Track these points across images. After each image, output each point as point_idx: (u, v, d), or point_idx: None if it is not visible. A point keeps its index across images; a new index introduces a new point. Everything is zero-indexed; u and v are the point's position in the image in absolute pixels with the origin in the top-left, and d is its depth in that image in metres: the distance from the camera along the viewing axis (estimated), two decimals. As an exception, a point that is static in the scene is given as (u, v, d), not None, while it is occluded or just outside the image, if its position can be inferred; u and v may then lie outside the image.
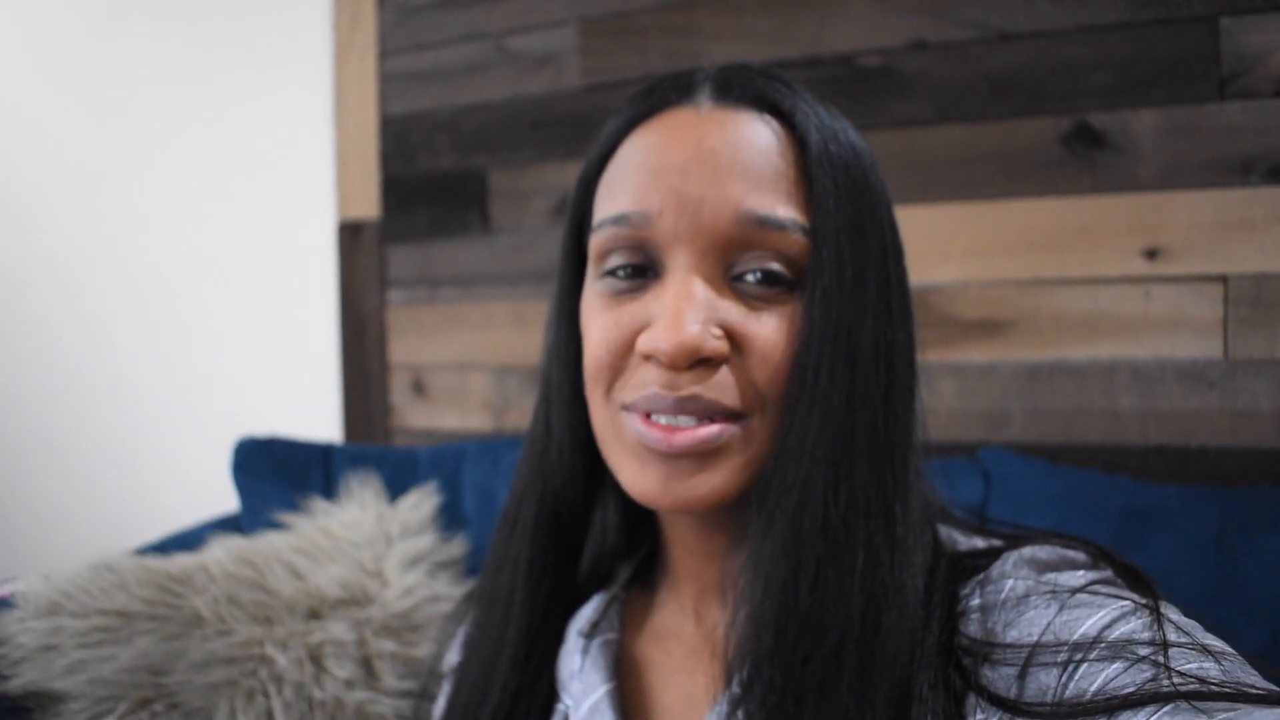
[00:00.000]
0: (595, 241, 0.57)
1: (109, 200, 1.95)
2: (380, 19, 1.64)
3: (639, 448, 0.55)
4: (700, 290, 0.52)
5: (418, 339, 1.64)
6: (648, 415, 0.54)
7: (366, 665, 1.05)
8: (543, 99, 1.52)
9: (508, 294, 1.56)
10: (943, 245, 1.26)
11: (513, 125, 1.55)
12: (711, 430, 0.52)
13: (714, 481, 0.53)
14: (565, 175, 1.50)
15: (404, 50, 1.63)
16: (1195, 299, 1.14)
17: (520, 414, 1.55)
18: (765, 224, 0.52)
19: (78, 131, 1.98)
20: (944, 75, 1.26)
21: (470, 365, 1.59)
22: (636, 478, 0.55)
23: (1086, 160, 1.19)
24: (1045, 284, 1.21)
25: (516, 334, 1.55)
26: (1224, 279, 1.13)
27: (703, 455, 0.53)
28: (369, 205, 1.66)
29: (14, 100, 2.04)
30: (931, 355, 1.26)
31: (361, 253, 1.67)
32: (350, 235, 1.68)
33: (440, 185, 1.61)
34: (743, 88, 0.56)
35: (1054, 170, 1.21)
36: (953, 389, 1.26)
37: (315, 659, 1.02)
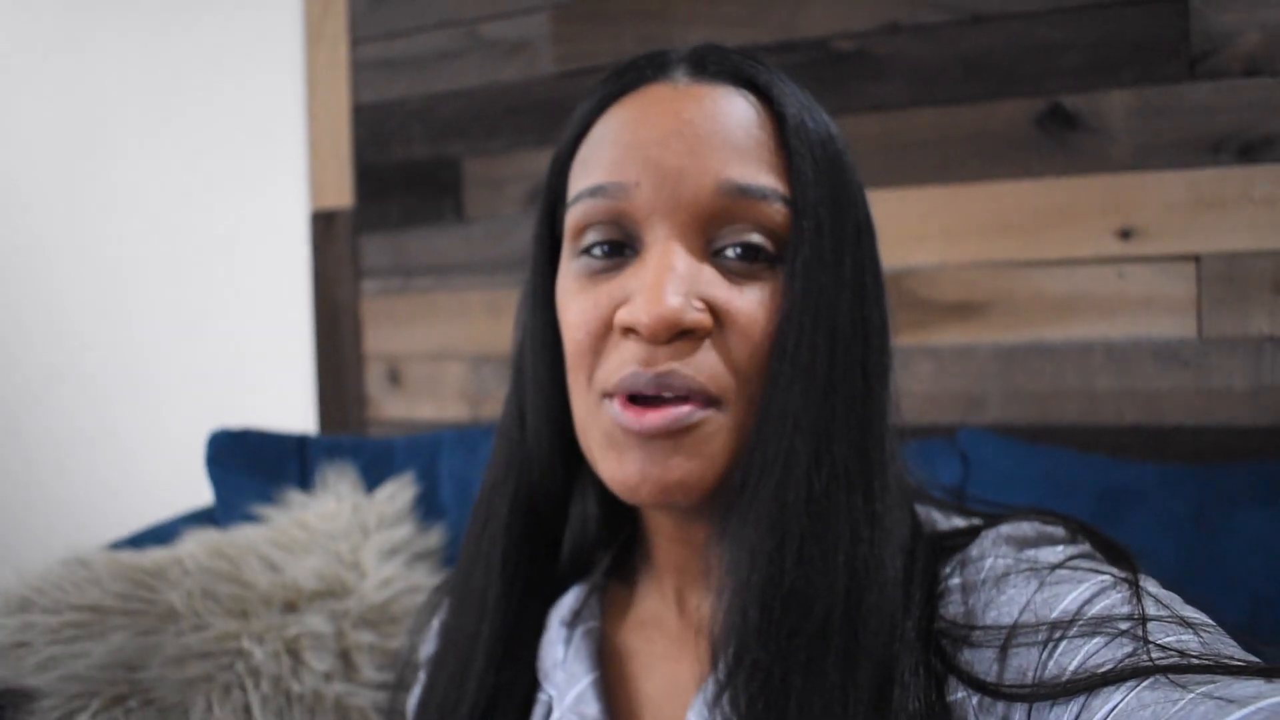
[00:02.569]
0: (571, 217, 0.56)
1: (78, 190, 1.93)
2: (351, 6, 1.63)
3: (617, 434, 0.53)
4: (681, 262, 0.51)
5: (393, 329, 1.63)
6: (628, 399, 0.53)
7: (345, 657, 1.05)
8: (516, 86, 1.51)
9: (483, 283, 1.55)
10: (918, 228, 1.26)
11: (486, 113, 1.54)
12: (683, 409, 0.51)
13: (691, 467, 0.52)
14: (540, 163, 1.49)
15: (376, 38, 1.62)
16: (1169, 278, 1.15)
17: (497, 403, 1.52)
18: (747, 193, 0.51)
19: (46, 121, 1.95)
20: (918, 58, 1.26)
21: (446, 355, 1.58)
22: (615, 469, 0.54)
23: (1060, 141, 1.20)
24: (1020, 265, 1.22)
25: (492, 323, 1.54)
26: (1197, 258, 1.14)
27: (679, 437, 0.52)
28: (342, 194, 1.65)
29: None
30: (908, 338, 1.26)
31: (335, 242, 1.66)
32: (323, 225, 1.67)
33: (414, 173, 1.60)
34: (718, 64, 0.55)
35: (1028, 152, 1.21)
36: (929, 371, 1.26)
37: (293, 652, 1.01)
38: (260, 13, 1.71)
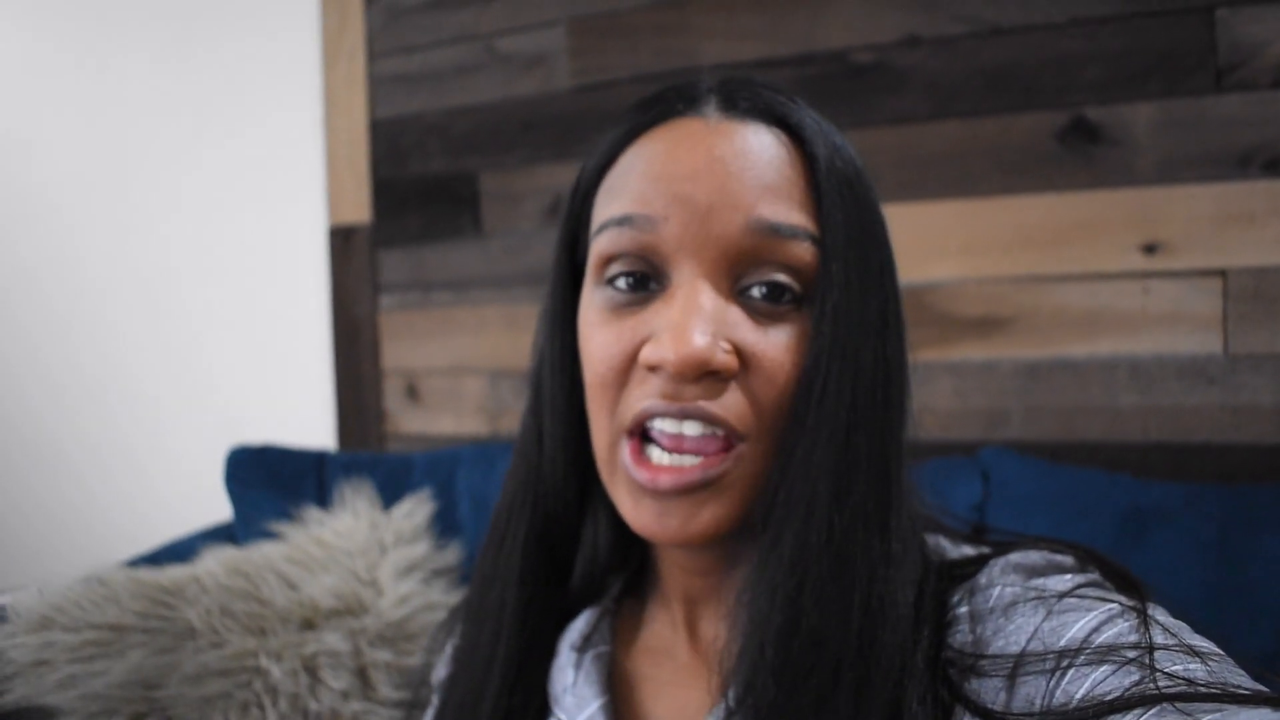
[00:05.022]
0: (597, 246, 0.56)
1: (99, 208, 1.94)
2: (368, 21, 1.63)
3: (630, 483, 0.54)
4: (709, 301, 0.51)
5: (411, 344, 1.63)
6: (640, 440, 0.54)
7: (362, 676, 1.05)
8: (533, 100, 1.51)
9: (501, 297, 1.55)
10: (939, 243, 1.25)
11: (503, 127, 1.54)
12: (695, 474, 0.52)
13: (707, 516, 0.53)
14: (557, 177, 1.49)
15: (393, 53, 1.62)
16: (1195, 294, 1.13)
17: (515, 418, 1.53)
18: (778, 231, 0.52)
19: (68, 139, 1.97)
20: (937, 71, 1.25)
21: (464, 369, 1.58)
22: (633, 513, 0.55)
23: (1083, 155, 1.18)
24: (1043, 280, 1.20)
25: (510, 337, 1.54)
26: (1223, 273, 1.12)
27: (697, 492, 0.53)
28: (360, 210, 1.65)
29: (5, 107, 2.03)
30: (929, 354, 1.25)
31: (353, 257, 1.66)
32: (341, 240, 1.67)
33: (431, 188, 1.60)
34: (749, 100, 0.55)
35: (1050, 165, 1.20)
36: (951, 388, 1.25)
37: (310, 670, 1.01)
38: (278, 30, 1.72)
